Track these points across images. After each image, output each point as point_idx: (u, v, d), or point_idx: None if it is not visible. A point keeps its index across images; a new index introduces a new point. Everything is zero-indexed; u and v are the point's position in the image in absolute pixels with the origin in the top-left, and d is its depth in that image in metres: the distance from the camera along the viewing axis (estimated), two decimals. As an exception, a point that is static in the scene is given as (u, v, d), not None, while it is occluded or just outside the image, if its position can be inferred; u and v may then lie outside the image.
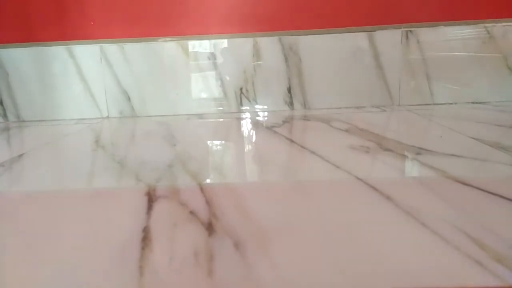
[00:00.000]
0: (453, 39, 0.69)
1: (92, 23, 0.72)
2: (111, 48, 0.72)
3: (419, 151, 0.42)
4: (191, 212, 0.29)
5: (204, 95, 0.74)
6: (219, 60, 0.72)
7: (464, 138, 0.47)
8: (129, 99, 0.74)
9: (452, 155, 0.41)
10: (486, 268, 0.20)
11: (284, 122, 0.62)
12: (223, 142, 0.54)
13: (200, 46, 0.71)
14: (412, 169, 0.38)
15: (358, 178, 0.34)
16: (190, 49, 0.71)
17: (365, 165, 0.39)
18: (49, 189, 0.37)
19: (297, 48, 0.71)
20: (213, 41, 0.71)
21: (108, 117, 0.75)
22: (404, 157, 0.41)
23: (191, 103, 0.74)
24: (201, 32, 0.72)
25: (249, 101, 0.73)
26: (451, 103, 0.71)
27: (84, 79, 0.73)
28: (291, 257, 0.22)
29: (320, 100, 0.73)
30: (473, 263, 0.21)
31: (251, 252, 0.23)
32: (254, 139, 0.54)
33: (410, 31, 0.69)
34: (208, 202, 0.30)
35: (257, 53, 0.71)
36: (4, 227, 0.29)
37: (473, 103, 0.71)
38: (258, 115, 0.70)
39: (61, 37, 0.73)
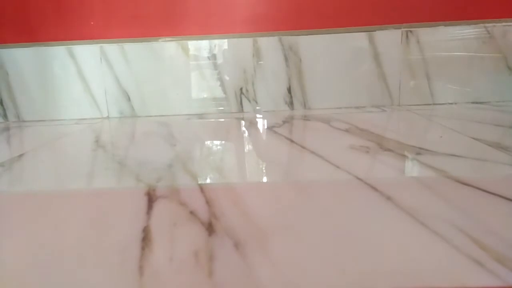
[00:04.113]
0: (453, 39, 0.69)
1: (92, 23, 0.72)
2: (111, 48, 0.72)
3: (419, 151, 0.42)
4: (191, 212, 0.29)
5: (204, 95, 0.73)
6: (219, 60, 0.72)
7: (464, 138, 0.47)
8: (129, 99, 0.74)
9: (452, 155, 0.41)
10: (486, 268, 0.20)
11: (284, 122, 0.62)
12: (223, 142, 0.54)
13: (200, 46, 0.71)
14: (412, 169, 0.38)
15: (358, 178, 0.34)
16: (190, 49, 0.71)
17: (365, 165, 0.39)
18: (49, 189, 0.37)
19: (297, 48, 0.71)
20: (213, 41, 0.71)
21: (108, 117, 0.75)
22: (404, 157, 0.41)
23: (191, 103, 0.74)
24: (201, 32, 0.72)
25: (249, 101, 0.73)
26: (451, 103, 0.71)
27: (84, 79, 0.73)
28: (291, 257, 0.22)
29: (320, 100, 0.73)
30: (473, 263, 0.21)
31: (251, 252, 0.23)
32: (254, 139, 0.54)
33: (410, 31, 0.69)
34: (208, 202, 0.30)
35: (257, 53, 0.71)
36: (4, 227, 0.29)
37: (473, 103, 0.71)
38: (258, 115, 0.70)
39: (61, 37, 0.73)
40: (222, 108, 0.74)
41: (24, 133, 0.66)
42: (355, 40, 0.70)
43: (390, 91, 0.72)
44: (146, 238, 0.25)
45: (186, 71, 0.72)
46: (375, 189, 0.32)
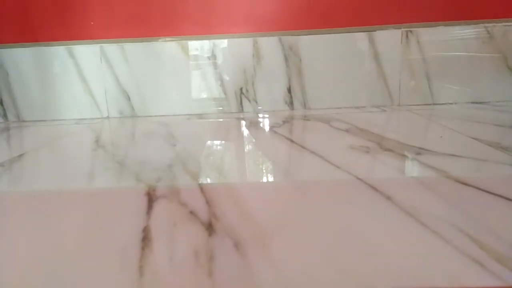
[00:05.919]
0: (453, 39, 0.69)
1: (92, 23, 0.72)
2: (111, 48, 0.72)
3: (419, 151, 0.42)
4: (191, 212, 0.29)
5: (204, 95, 0.74)
6: (219, 60, 0.72)
7: (464, 138, 0.47)
8: (129, 99, 0.74)
9: (452, 155, 0.41)
10: (486, 268, 0.20)
11: (284, 122, 0.62)
12: (223, 142, 0.54)
13: (200, 46, 0.71)
14: (412, 169, 0.38)
15: (358, 178, 0.34)
16: (190, 49, 0.71)
17: (365, 165, 0.39)
18: (49, 189, 0.37)
19: (297, 48, 0.71)
20: (213, 41, 0.71)
21: (108, 117, 0.75)
22: (404, 157, 0.41)
23: (191, 103, 0.74)
24: (201, 32, 0.72)
25: (249, 101, 0.73)
26: (451, 103, 0.71)
27: (84, 79, 0.73)
28: (291, 257, 0.22)
29: (320, 100, 0.73)
30: (473, 263, 0.21)
31: (251, 252, 0.23)
32: (254, 139, 0.54)
33: (410, 31, 0.69)
34: (208, 202, 0.30)
35: (257, 53, 0.71)
36: (4, 227, 0.29)
37: (473, 103, 0.71)
38: (258, 115, 0.70)
39: (61, 37, 0.73)
40: (222, 108, 0.74)
41: (24, 133, 0.66)
42: (355, 40, 0.70)
43: (390, 91, 0.72)
44: (146, 238, 0.25)
45: (186, 71, 0.72)
46: (375, 189, 0.32)
